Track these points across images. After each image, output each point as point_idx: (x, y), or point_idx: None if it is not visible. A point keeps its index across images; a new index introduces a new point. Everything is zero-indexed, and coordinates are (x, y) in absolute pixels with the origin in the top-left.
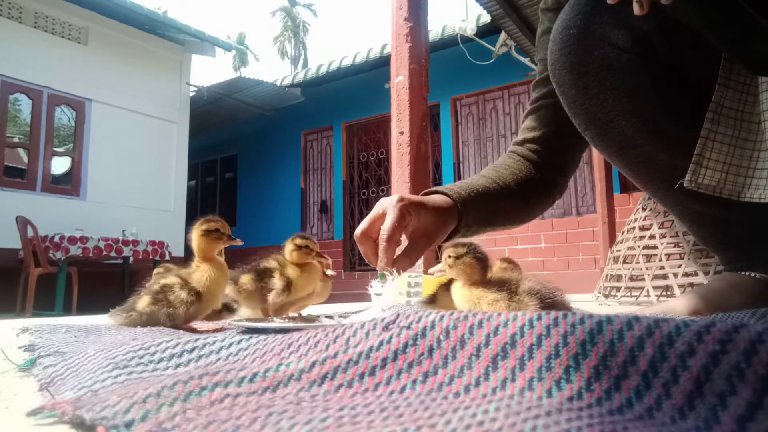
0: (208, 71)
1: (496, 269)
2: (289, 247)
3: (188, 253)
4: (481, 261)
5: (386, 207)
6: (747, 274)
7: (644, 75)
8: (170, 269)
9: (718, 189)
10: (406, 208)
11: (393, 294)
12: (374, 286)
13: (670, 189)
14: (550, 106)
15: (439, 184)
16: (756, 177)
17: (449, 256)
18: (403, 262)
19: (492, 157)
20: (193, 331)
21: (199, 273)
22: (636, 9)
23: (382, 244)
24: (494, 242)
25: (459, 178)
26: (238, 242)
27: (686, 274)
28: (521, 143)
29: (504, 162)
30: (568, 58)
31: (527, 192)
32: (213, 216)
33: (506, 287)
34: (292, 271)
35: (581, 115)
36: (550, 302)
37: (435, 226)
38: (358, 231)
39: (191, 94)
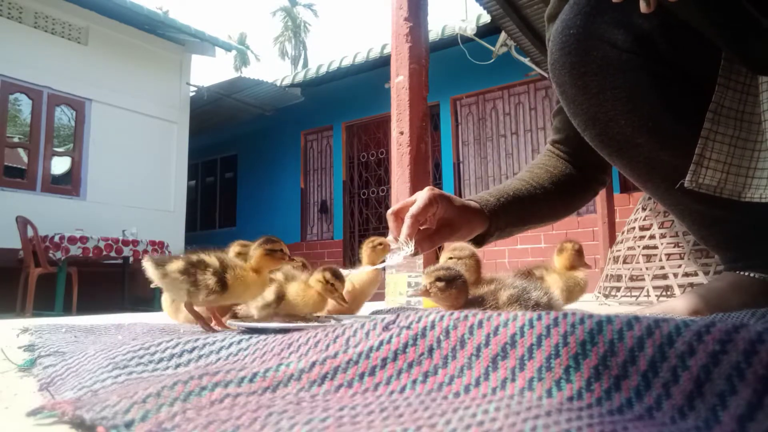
0: (208, 71)
1: (567, 253)
2: (258, 252)
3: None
4: (466, 288)
5: (418, 194)
6: (747, 274)
7: (644, 75)
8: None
9: (719, 189)
10: (435, 197)
11: (403, 260)
12: (388, 256)
13: (670, 188)
14: None
15: (439, 184)
16: (756, 177)
17: (439, 279)
18: (423, 242)
19: (492, 157)
20: (211, 330)
21: (240, 271)
22: (643, 6)
23: (406, 221)
24: (494, 242)
25: (459, 178)
26: (298, 262)
27: (686, 274)
28: (552, 143)
29: (540, 161)
30: (568, 58)
31: (564, 189)
32: (272, 236)
33: (488, 307)
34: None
35: (581, 114)
36: (533, 303)
37: (460, 220)
38: (390, 210)
39: (191, 94)
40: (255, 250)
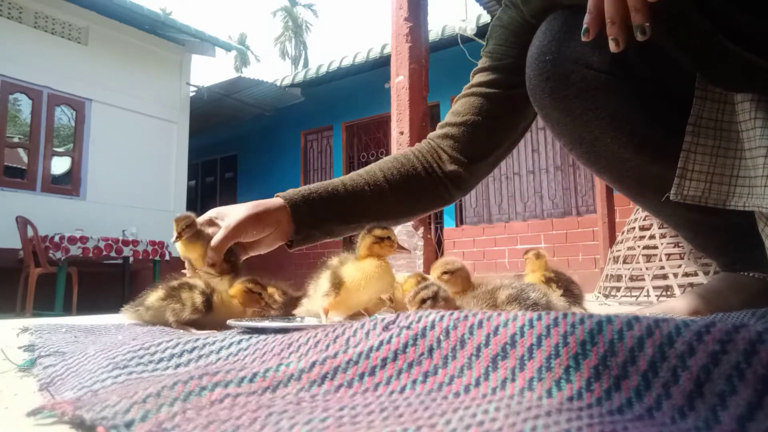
0: (208, 71)
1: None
2: (367, 240)
3: None
4: (450, 296)
5: (223, 217)
6: (746, 273)
7: (625, 93)
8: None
9: (704, 199)
10: (227, 241)
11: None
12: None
13: (662, 201)
14: (480, 95)
15: None
16: (739, 185)
17: (423, 300)
18: (241, 254)
19: None
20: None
21: (225, 296)
22: (612, 47)
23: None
24: (494, 242)
25: None
26: (272, 300)
27: (686, 274)
28: (443, 125)
29: (391, 157)
30: (548, 84)
31: (404, 190)
32: (255, 278)
33: (486, 306)
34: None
35: (566, 135)
36: (532, 303)
37: (254, 234)
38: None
39: (191, 94)
40: (235, 286)
